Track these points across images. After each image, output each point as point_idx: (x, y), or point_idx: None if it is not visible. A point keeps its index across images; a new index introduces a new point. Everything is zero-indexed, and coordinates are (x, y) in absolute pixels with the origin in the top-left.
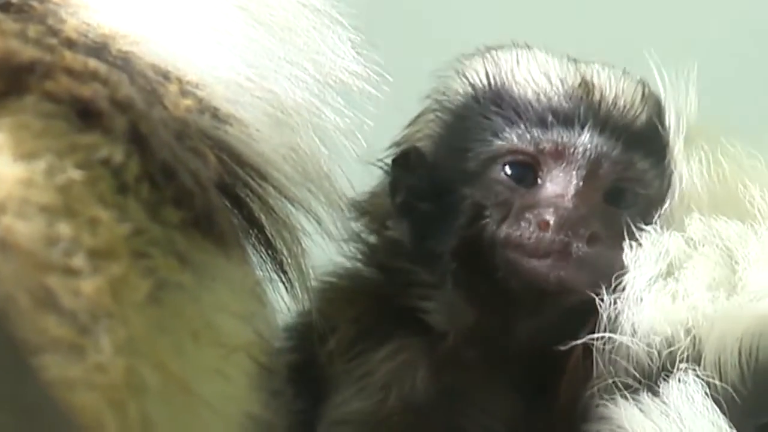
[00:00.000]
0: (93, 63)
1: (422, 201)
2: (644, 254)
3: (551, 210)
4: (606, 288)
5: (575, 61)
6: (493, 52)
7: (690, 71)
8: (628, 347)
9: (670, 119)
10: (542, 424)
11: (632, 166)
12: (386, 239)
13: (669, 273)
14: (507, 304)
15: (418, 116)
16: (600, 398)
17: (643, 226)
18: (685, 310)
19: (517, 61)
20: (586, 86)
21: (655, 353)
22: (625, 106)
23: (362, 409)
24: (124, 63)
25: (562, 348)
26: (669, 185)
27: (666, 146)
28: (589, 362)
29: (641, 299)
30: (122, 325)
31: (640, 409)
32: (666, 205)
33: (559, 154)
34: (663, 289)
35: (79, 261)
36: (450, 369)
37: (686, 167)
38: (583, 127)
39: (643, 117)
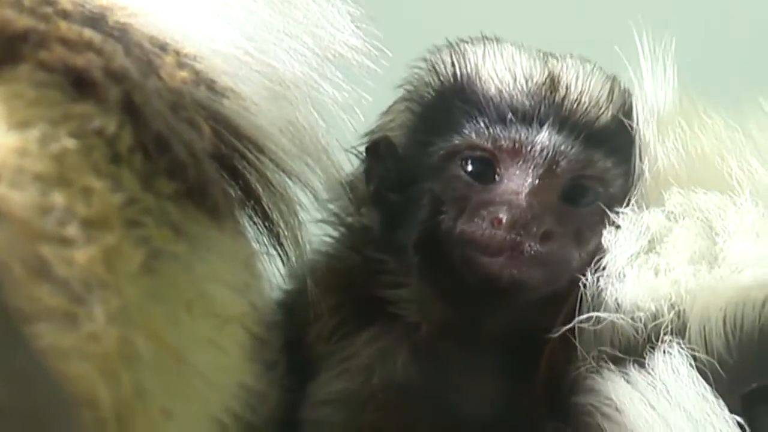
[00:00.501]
0: (88, 33)
1: (391, 191)
2: (624, 232)
3: (505, 208)
4: (587, 270)
5: (546, 56)
6: (462, 46)
7: (668, 47)
8: (613, 322)
9: (641, 110)
10: (527, 399)
11: (592, 165)
12: (360, 225)
13: (650, 248)
14: (470, 298)
15: (392, 105)
16: (587, 371)
17: (622, 208)
18: (668, 284)
19: (484, 56)
20: (551, 83)
21: (641, 327)
22: (589, 104)
23: (345, 389)
24: (121, 34)
25: (542, 329)
26: (634, 182)
27: (632, 144)
28: (570, 336)
29: (623, 276)
30: (116, 294)
31: (627, 381)
32: (641, 184)
33: (517, 152)
34: (645, 265)
35: (72, 230)
36: (428, 354)
37: (662, 144)
38: (542, 125)
39: (608, 115)
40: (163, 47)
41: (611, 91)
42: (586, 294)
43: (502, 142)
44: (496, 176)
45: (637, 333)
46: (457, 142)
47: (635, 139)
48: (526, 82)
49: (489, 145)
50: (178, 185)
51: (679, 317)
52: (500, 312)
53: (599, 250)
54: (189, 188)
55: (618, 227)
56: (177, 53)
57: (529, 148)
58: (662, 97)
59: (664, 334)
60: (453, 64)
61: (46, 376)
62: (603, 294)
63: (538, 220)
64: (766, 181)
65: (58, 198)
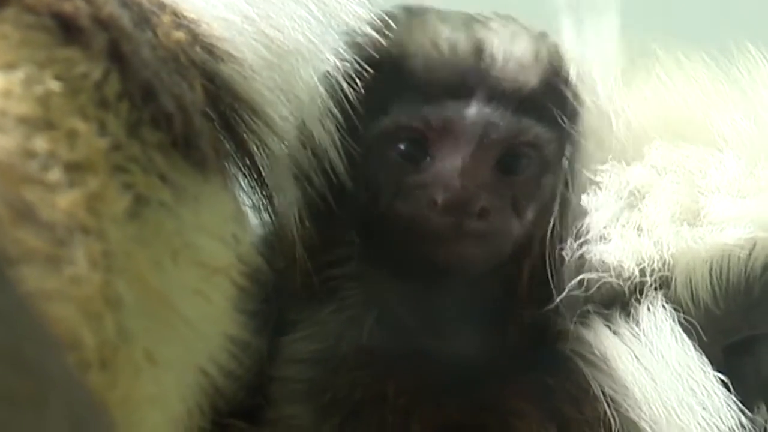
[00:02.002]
0: None
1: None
2: (604, 192)
3: (440, 189)
4: (571, 232)
5: (470, 21)
6: (388, 19)
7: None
8: (599, 280)
9: (580, 67)
10: (506, 351)
11: (524, 132)
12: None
13: (633, 204)
14: (417, 277)
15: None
16: (573, 321)
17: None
18: (651, 245)
19: (409, 30)
20: (476, 52)
21: (626, 283)
22: (517, 70)
23: (317, 349)
24: None
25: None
26: (573, 143)
27: (564, 104)
28: (540, 281)
29: (607, 236)
30: (99, 238)
31: (613, 332)
32: (621, 136)
33: (447, 129)
34: (628, 224)
35: (56, 173)
36: (395, 319)
37: (641, 94)
38: (470, 99)
39: (536, 79)
40: (161, 6)
41: (539, 52)
42: (570, 257)
43: (432, 121)
44: (429, 156)
45: (623, 288)
46: (388, 122)
47: (568, 99)
48: (451, 54)
49: (419, 125)
50: (164, 135)
51: (663, 273)
52: (449, 288)
53: (543, 216)
54: (175, 139)
55: (598, 184)
56: (175, 14)
57: (459, 125)
58: (608, 50)
59: (649, 288)
60: (378, 42)
61: (30, 317)
62: (588, 256)
63: (474, 198)
64: (750, 136)
65: (42, 141)
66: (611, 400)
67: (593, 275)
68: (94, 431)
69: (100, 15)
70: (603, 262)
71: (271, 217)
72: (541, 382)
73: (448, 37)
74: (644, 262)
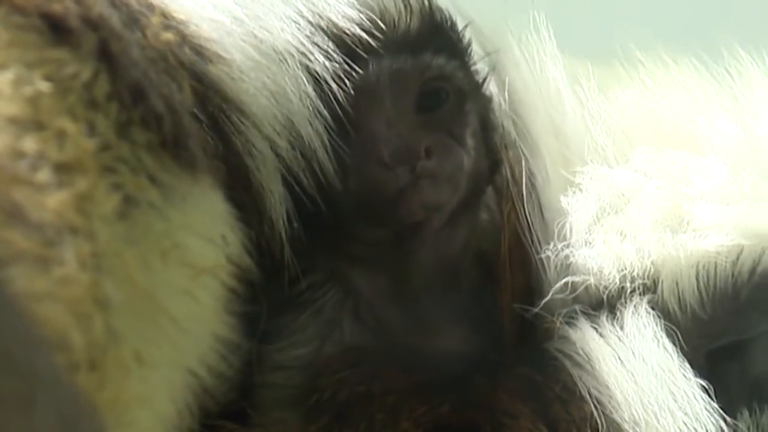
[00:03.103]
0: None
1: None
2: (585, 194)
3: (380, 146)
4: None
5: None
6: None
7: None
8: (582, 282)
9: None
10: (492, 345)
11: (428, 68)
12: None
13: (616, 208)
14: (388, 251)
15: None
16: (559, 321)
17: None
18: (633, 251)
19: None
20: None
21: (611, 286)
22: (393, 20)
23: (300, 355)
24: None
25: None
26: (479, 73)
27: (454, 37)
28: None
29: (589, 240)
30: (88, 238)
31: (599, 334)
32: (600, 139)
33: (357, 95)
34: (611, 228)
35: (45, 174)
36: (373, 316)
37: (626, 98)
38: (365, 62)
39: (416, 21)
40: (150, 7)
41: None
42: (553, 260)
43: (338, 95)
44: (355, 129)
45: (608, 291)
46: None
47: (453, 32)
48: (332, 31)
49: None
50: (153, 136)
51: (645, 280)
52: (422, 250)
53: (482, 143)
54: (164, 140)
55: (580, 186)
56: (164, 15)
57: (366, 87)
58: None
59: (633, 293)
60: None
61: (18, 318)
62: (571, 259)
63: (413, 140)
64: (737, 142)
65: (31, 141)
66: (597, 401)
67: (577, 278)
68: None
69: (89, 15)
70: (587, 267)
71: (258, 219)
72: (529, 381)
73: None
74: (626, 269)
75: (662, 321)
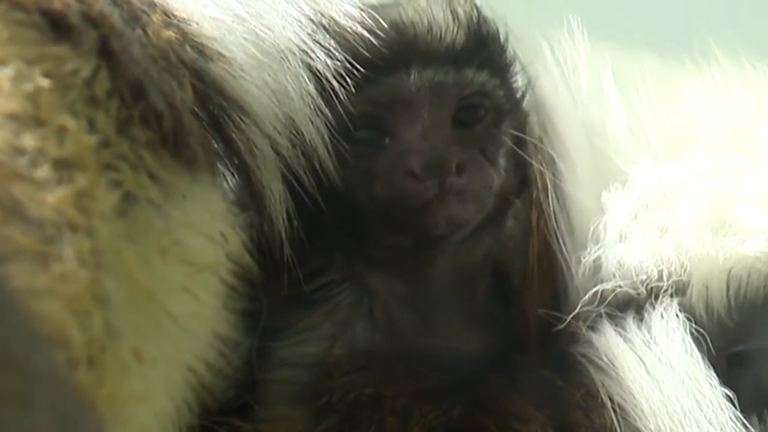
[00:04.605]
0: None
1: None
2: (629, 190)
3: (412, 157)
4: (584, 239)
5: (383, 5)
6: None
7: None
8: (613, 276)
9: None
10: (518, 350)
11: (469, 84)
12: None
13: (662, 204)
14: (407, 258)
15: None
16: (588, 322)
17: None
18: (671, 247)
19: (352, 23)
20: (396, 27)
21: (641, 286)
22: (440, 31)
23: (310, 353)
24: None
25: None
26: (518, 90)
27: (498, 53)
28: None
29: (627, 236)
30: (88, 235)
31: (624, 338)
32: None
33: (396, 104)
34: (653, 222)
35: (45, 170)
36: (387, 318)
37: (690, 94)
38: (408, 71)
39: (462, 33)
40: (151, 5)
41: (455, 11)
42: (583, 264)
43: (379, 101)
44: (389, 136)
45: (638, 293)
46: (342, 115)
47: (498, 48)
48: (378, 36)
49: (368, 109)
50: (153, 133)
51: (680, 279)
52: (442, 258)
53: (513, 161)
54: (165, 137)
55: (626, 181)
56: (165, 12)
57: (405, 96)
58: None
59: (664, 294)
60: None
61: (17, 314)
62: (601, 261)
63: (446, 155)
64: None
65: (31, 138)
66: (619, 407)
67: (608, 285)
68: (82, 429)
69: (90, 12)
70: (620, 265)
71: (259, 217)
72: (548, 385)
73: (371, 21)
74: (663, 264)
75: (691, 325)
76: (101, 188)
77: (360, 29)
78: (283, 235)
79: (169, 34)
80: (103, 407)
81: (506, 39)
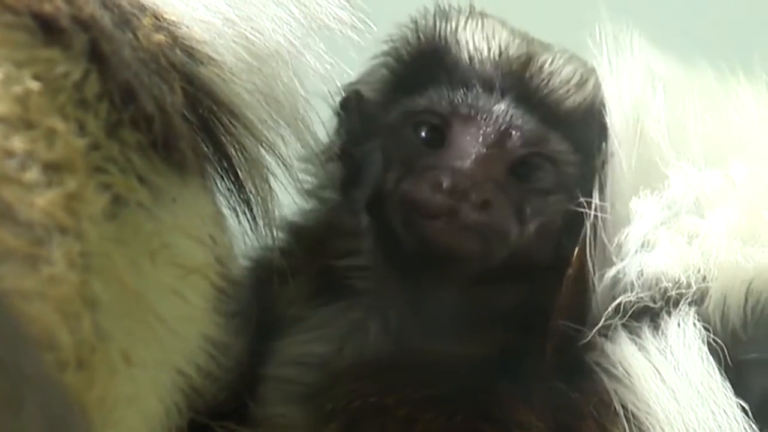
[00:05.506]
0: None
1: (355, 147)
2: (661, 195)
3: (448, 172)
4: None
5: (530, 38)
6: (449, 10)
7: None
8: (633, 286)
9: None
10: (534, 354)
11: (546, 143)
12: (321, 181)
13: (696, 210)
14: (415, 265)
15: (373, 59)
16: (603, 332)
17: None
18: (698, 254)
19: (466, 23)
20: (525, 60)
21: (660, 294)
22: (558, 86)
23: (320, 353)
24: None
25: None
26: (594, 174)
27: (597, 136)
28: (580, 292)
29: (654, 242)
30: (77, 238)
31: (639, 347)
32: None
33: (471, 118)
34: (683, 229)
35: (34, 173)
36: (401, 326)
37: (738, 105)
38: (503, 95)
39: (575, 101)
40: (142, 9)
41: (585, 80)
42: (606, 271)
43: (459, 108)
44: (447, 141)
45: (656, 302)
46: (416, 103)
47: (603, 133)
48: (500, 54)
49: (445, 110)
50: (143, 136)
51: (701, 288)
52: (446, 284)
53: (545, 230)
54: (154, 141)
55: (662, 186)
56: (155, 16)
57: (484, 116)
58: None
59: (683, 302)
60: (434, 26)
61: (6, 316)
62: (626, 272)
63: (479, 188)
64: None
65: (20, 140)
66: (633, 416)
67: (630, 297)
68: (71, 431)
69: (80, 15)
70: (641, 275)
71: (248, 220)
72: (557, 394)
73: (504, 38)
74: (689, 270)
75: (708, 335)
76: (91, 191)
77: (349, 32)
78: (274, 237)
79: (160, 37)
80: (92, 410)
81: (606, 132)
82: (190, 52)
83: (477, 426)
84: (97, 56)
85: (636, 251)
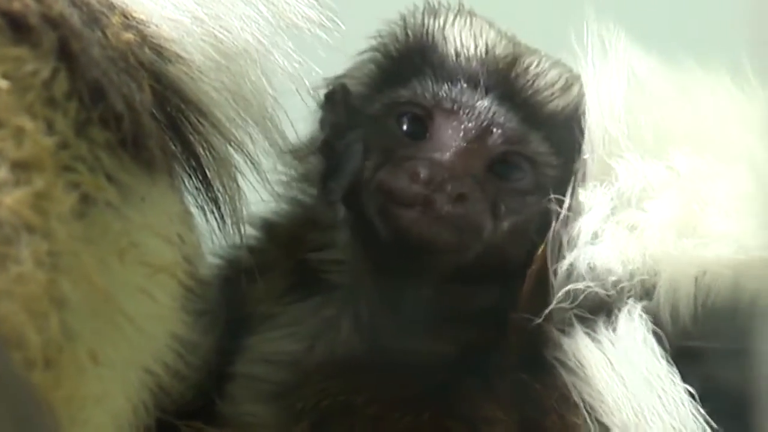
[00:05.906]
0: None
1: (337, 140)
2: (608, 187)
3: (427, 163)
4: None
5: (516, 40)
6: (439, 9)
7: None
8: (583, 281)
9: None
10: (492, 356)
11: (527, 144)
12: (301, 175)
13: (638, 201)
14: (390, 256)
15: (359, 54)
16: (557, 326)
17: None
18: (638, 247)
19: (454, 21)
20: (511, 60)
21: (611, 289)
22: (542, 88)
23: (291, 351)
24: None
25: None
26: (571, 176)
27: (577, 141)
28: (541, 287)
29: (599, 234)
30: (45, 237)
31: (592, 340)
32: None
33: (454, 113)
34: (624, 221)
35: (2, 171)
36: (373, 323)
37: (683, 98)
38: (487, 92)
39: (558, 104)
40: (111, 7)
41: (569, 85)
42: (561, 263)
43: (442, 101)
44: (428, 134)
45: (609, 294)
46: (400, 94)
47: (582, 138)
48: (487, 52)
49: (429, 102)
50: (112, 135)
51: (647, 280)
52: (420, 280)
53: (519, 229)
54: (123, 139)
55: (608, 178)
56: (124, 14)
57: (467, 111)
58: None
59: (629, 296)
60: (423, 23)
61: None
62: (576, 262)
63: (456, 181)
64: (761, 158)
65: None
66: (590, 407)
67: (579, 285)
68: (38, 430)
69: (49, 14)
70: (591, 266)
71: (216, 218)
72: (523, 388)
73: (491, 38)
74: (630, 262)
75: (652, 325)
76: (59, 190)
77: (317, 31)
78: (242, 234)
79: (129, 36)
80: (59, 409)
81: (584, 141)
82: (158, 50)
83: (444, 423)
84: (66, 54)
85: (585, 243)
